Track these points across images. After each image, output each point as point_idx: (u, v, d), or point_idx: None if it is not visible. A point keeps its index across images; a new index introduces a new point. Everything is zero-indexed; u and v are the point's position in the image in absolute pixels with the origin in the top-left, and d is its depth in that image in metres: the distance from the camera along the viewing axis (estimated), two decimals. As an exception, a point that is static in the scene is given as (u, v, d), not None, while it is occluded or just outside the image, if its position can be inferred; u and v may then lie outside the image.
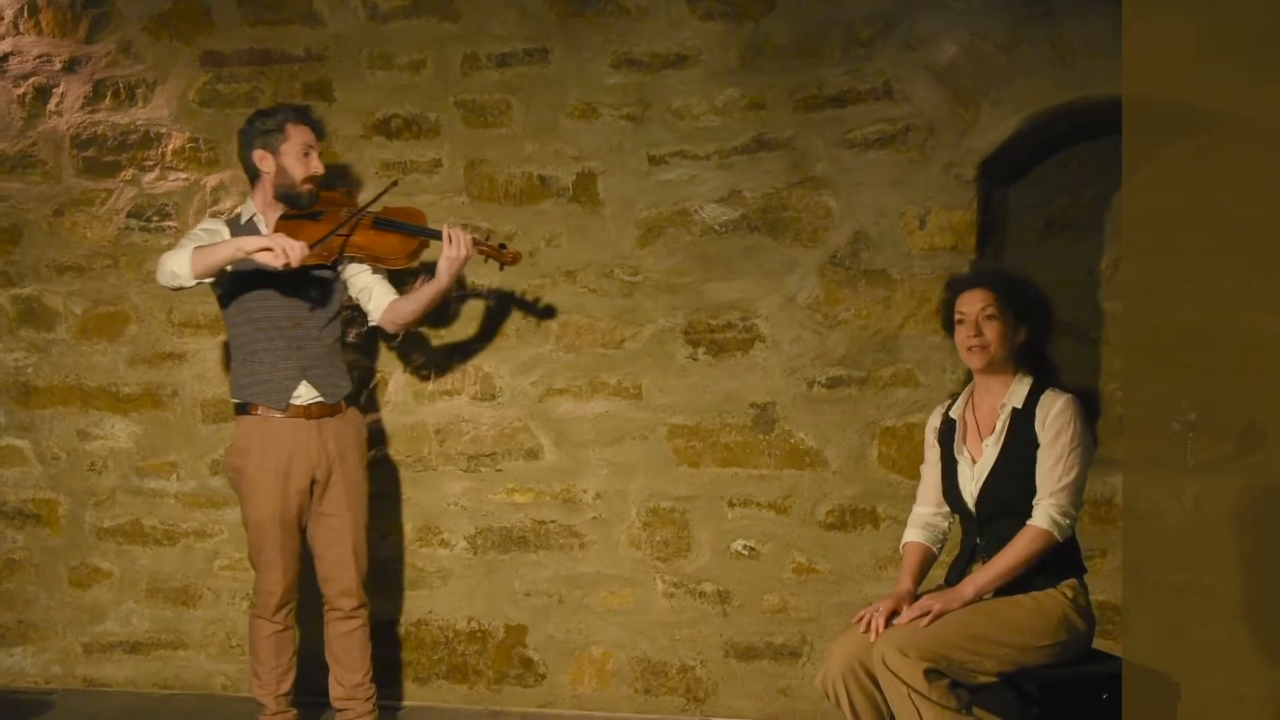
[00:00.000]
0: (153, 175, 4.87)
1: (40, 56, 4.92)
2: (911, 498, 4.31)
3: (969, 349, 3.47)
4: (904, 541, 3.63)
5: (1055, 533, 3.31)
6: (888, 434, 4.41)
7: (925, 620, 3.24)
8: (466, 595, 4.73)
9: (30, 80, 4.92)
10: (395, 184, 4.26)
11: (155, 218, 4.87)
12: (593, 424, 4.62)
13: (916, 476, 4.30)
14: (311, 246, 3.90)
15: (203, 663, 4.90)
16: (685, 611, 4.57)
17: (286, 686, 4.18)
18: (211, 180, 4.81)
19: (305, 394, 4.07)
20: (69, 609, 4.99)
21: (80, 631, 4.98)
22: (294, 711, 4.22)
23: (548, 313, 4.62)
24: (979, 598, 3.31)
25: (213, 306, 4.78)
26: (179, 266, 3.90)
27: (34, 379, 4.98)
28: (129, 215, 4.89)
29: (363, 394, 4.66)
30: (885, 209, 4.38)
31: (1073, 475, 3.33)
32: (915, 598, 3.40)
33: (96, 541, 4.96)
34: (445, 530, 4.74)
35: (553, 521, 4.66)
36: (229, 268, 3.94)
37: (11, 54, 4.93)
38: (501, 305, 4.65)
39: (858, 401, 4.43)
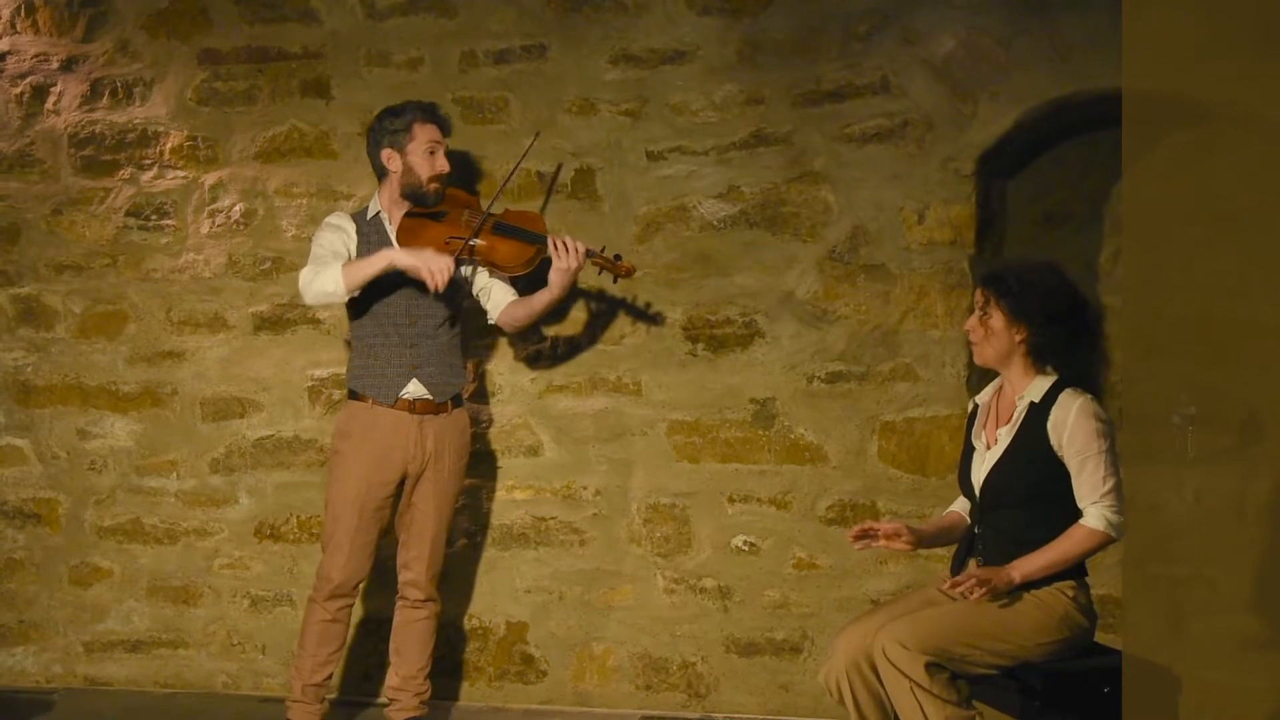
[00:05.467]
0: (151, 174, 4.87)
1: (38, 55, 4.92)
2: (911, 492, 4.36)
3: (969, 342, 3.52)
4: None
5: (1112, 533, 3.30)
6: (887, 429, 4.40)
7: (976, 594, 3.20)
8: (467, 592, 4.73)
9: (28, 79, 4.93)
10: (538, 134, 4.36)
11: (154, 216, 4.87)
12: (592, 420, 4.62)
13: (916, 471, 4.36)
14: (456, 263, 3.96)
15: (204, 661, 4.90)
16: (686, 607, 4.57)
17: (319, 678, 4.14)
18: (210, 178, 4.81)
19: (414, 390, 4.08)
20: (70, 608, 4.98)
21: (81, 630, 4.98)
22: (322, 705, 4.18)
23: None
24: (1024, 583, 3.29)
25: (211, 305, 4.82)
26: (331, 285, 3.95)
27: (33, 378, 4.98)
28: (127, 214, 4.89)
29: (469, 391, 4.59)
30: (884, 204, 4.38)
31: (1116, 477, 3.32)
32: (923, 542, 3.50)
33: (97, 540, 4.95)
34: (445, 527, 4.74)
35: (553, 518, 4.66)
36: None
37: (9, 53, 4.93)
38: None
39: (857, 396, 4.43)
